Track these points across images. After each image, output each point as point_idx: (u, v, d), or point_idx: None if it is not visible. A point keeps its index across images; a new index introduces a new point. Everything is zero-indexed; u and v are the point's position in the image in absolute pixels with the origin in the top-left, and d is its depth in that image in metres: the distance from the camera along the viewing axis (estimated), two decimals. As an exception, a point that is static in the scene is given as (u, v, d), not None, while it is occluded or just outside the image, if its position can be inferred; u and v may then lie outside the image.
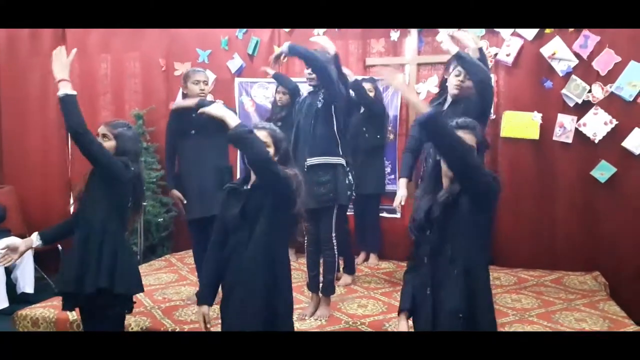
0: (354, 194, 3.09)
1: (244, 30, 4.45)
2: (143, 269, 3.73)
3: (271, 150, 2.01)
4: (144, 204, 4.04)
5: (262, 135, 2.00)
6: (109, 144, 2.29)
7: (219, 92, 4.46)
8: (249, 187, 2.06)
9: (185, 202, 3.21)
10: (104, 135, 2.30)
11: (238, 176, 3.87)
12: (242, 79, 4.46)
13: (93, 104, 4.80)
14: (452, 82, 2.86)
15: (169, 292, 3.46)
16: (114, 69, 4.79)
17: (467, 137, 1.79)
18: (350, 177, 3.01)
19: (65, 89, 2.12)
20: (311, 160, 2.89)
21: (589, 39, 3.71)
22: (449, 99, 2.91)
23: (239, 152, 2.13)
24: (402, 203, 3.00)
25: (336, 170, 2.94)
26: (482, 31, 3.93)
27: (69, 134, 2.20)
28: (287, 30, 4.36)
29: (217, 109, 1.98)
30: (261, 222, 1.97)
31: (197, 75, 3.19)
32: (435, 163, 1.88)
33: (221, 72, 4.52)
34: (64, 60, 2.18)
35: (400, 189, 3.01)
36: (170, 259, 4.31)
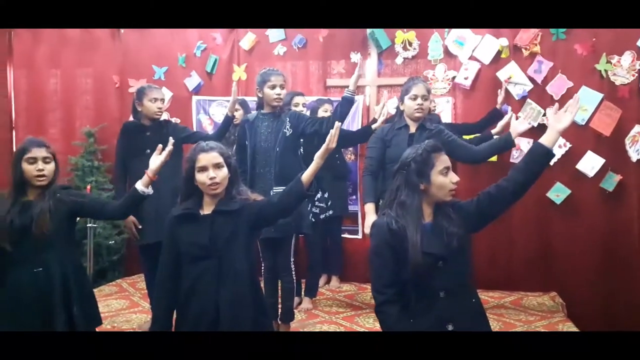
0: (321, 216, 3.05)
1: (202, 47, 4.36)
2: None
3: (225, 169, 1.95)
4: (94, 225, 3.83)
5: (213, 156, 1.94)
6: (52, 166, 2.19)
7: (176, 110, 4.34)
8: (209, 212, 1.96)
9: (140, 226, 3.05)
10: (46, 158, 2.17)
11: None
12: (200, 97, 4.35)
13: (41, 120, 4.59)
14: (411, 107, 2.84)
15: (119, 321, 3.27)
16: (65, 84, 4.59)
17: (445, 158, 1.80)
18: (320, 202, 2.96)
19: (142, 185, 2.22)
20: (277, 189, 2.81)
21: (542, 64, 3.83)
22: (410, 123, 2.89)
23: (184, 180, 2.03)
24: None
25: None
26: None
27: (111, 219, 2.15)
28: (246, 48, 4.30)
29: None
30: (234, 250, 1.90)
31: (154, 93, 3.04)
32: (419, 193, 1.80)
33: (178, 90, 4.40)
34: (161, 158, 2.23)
35: (370, 214, 2.86)
36: (121, 284, 4.10)
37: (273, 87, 2.82)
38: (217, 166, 1.93)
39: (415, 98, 2.82)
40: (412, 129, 2.88)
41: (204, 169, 1.93)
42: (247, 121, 2.95)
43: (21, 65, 4.60)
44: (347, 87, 4.19)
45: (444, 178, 1.77)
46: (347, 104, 2.89)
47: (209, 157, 1.93)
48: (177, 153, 3.11)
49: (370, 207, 2.89)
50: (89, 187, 4.16)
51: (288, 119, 2.84)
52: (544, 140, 1.79)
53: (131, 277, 4.28)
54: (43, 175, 2.14)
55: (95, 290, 3.82)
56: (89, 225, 3.76)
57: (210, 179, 1.91)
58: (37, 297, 2.08)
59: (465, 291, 1.82)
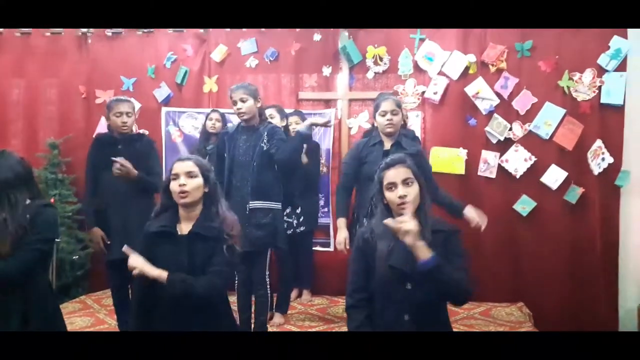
0: (297, 229, 3.05)
1: (173, 58, 4.31)
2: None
3: (199, 180, 1.92)
4: (57, 240, 3.70)
5: (188, 165, 1.92)
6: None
7: (145, 121, 4.25)
8: (186, 232, 1.91)
9: (108, 241, 2.97)
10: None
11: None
12: (170, 109, 4.29)
13: (2, 131, 4.42)
14: (382, 123, 2.86)
15: (84, 338, 3.15)
16: (28, 95, 4.44)
17: (401, 172, 1.80)
18: (293, 216, 2.96)
19: None
20: (253, 204, 2.80)
21: (508, 80, 3.94)
22: (385, 139, 2.90)
23: (162, 190, 2.00)
24: (348, 246, 2.84)
25: (275, 213, 2.87)
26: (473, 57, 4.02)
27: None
28: (217, 60, 4.27)
29: None
30: (209, 272, 1.86)
31: (119, 106, 2.96)
32: (386, 207, 1.83)
33: (147, 101, 4.33)
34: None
35: (341, 230, 2.88)
36: (85, 301, 3.96)
37: (235, 102, 2.85)
38: (189, 175, 1.91)
39: (384, 114, 2.84)
40: (387, 145, 2.89)
41: (176, 176, 1.91)
42: (227, 133, 2.95)
43: (-19, 73, 4.43)
44: (321, 100, 4.26)
45: (390, 193, 1.80)
46: (299, 138, 2.92)
47: (183, 165, 1.93)
48: (145, 168, 3.05)
49: (341, 222, 2.92)
50: (52, 200, 4.03)
51: (266, 133, 2.84)
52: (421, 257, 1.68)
53: (95, 293, 4.14)
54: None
55: (57, 307, 3.74)
56: (52, 239, 3.63)
57: (180, 185, 1.89)
58: None
59: (435, 318, 1.80)
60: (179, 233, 1.91)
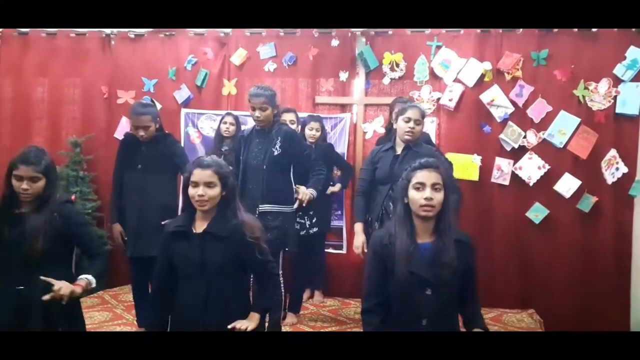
0: (310, 230, 3.12)
1: (193, 61, 4.41)
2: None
3: (218, 189, 1.97)
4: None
5: (207, 174, 1.95)
6: (41, 184, 2.07)
7: (164, 122, 4.24)
8: (200, 231, 1.98)
9: (126, 237, 3.06)
10: (33, 177, 2.04)
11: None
12: (189, 110, 4.38)
13: (26, 129, 4.54)
14: (403, 129, 2.87)
15: (103, 332, 3.24)
16: (52, 93, 4.56)
17: (432, 176, 1.83)
18: (305, 217, 3.01)
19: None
20: (263, 207, 2.86)
21: (524, 88, 3.97)
22: (400, 143, 2.94)
23: (181, 189, 2.07)
24: (366, 250, 2.84)
25: (285, 216, 2.93)
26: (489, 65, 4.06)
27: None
28: (237, 64, 4.36)
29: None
30: (223, 275, 1.94)
31: (136, 120, 2.98)
32: (405, 207, 1.87)
33: (167, 102, 4.42)
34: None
35: (358, 234, 2.94)
36: (103, 296, 4.06)
37: (253, 108, 2.89)
38: (209, 185, 1.95)
39: (408, 121, 2.86)
40: (398, 150, 2.93)
41: (195, 184, 1.96)
42: (243, 136, 3.01)
43: (8, 72, 4.55)
44: (337, 104, 4.32)
45: (416, 193, 1.83)
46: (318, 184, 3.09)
47: (203, 174, 1.95)
48: (165, 169, 3.11)
49: (358, 227, 2.97)
50: (73, 197, 4.13)
51: (279, 138, 2.88)
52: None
53: (113, 289, 4.23)
54: (28, 194, 2.05)
55: (77, 301, 3.84)
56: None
57: (199, 196, 1.93)
58: (15, 316, 2.01)
59: (451, 323, 1.86)
60: (194, 232, 1.98)
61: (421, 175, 1.84)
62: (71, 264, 2.26)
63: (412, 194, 1.84)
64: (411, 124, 2.85)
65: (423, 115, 2.95)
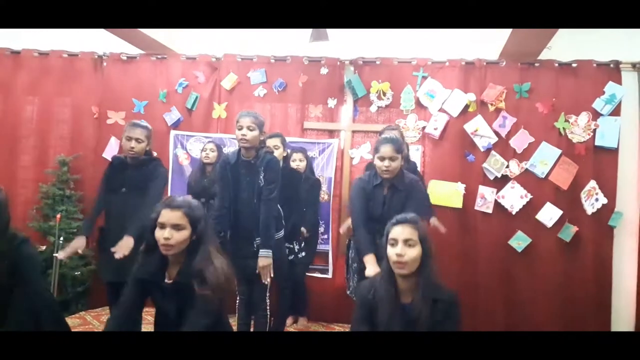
0: (299, 255, 3.11)
1: (184, 84, 4.47)
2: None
3: (187, 232, 1.86)
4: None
5: (177, 216, 1.85)
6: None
7: (153, 143, 4.27)
8: (171, 281, 1.90)
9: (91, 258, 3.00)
10: None
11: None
12: (178, 132, 4.42)
13: (12, 146, 4.53)
14: (379, 167, 2.81)
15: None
16: (41, 112, 4.58)
17: (406, 231, 1.83)
18: (294, 243, 3.01)
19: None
20: (259, 240, 2.83)
21: (506, 119, 4.09)
22: (383, 181, 2.86)
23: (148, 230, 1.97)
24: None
25: (277, 243, 2.89)
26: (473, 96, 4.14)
27: None
28: (227, 88, 4.43)
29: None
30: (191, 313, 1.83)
31: (131, 131, 3.00)
32: (387, 264, 1.87)
33: (157, 124, 4.42)
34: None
35: (371, 265, 2.65)
36: (85, 317, 4.01)
37: (240, 127, 2.84)
38: (176, 227, 1.84)
39: (382, 159, 2.78)
40: (385, 190, 2.87)
41: (162, 225, 1.85)
42: (229, 163, 2.91)
43: (-1, 90, 4.58)
44: (325, 130, 4.36)
45: (390, 248, 1.84)
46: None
47: (170, 215, 1.84)
48: (142, 194, 3.01)
49: (370, 259, 2.69)
50: (59, 215, 4.12)
51: (262, 168, 2.84)
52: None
53: (95, 310, 4.19)
54: None
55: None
56: (55, 255, 3.71)
57: (165, 239, 1.83)
58: None
59: None
60: (166, 280, 1.89)
61: (395, 231, 1.86)
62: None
63: (388, 249, 1.85)
64: (386, 163, 2.77)
65: (399, 149, 2.80)
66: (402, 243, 1.82)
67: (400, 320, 1.79)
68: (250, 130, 2.81)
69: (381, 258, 2.14)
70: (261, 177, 2.83)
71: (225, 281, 1.87)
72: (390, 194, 2.84)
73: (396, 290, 1.84)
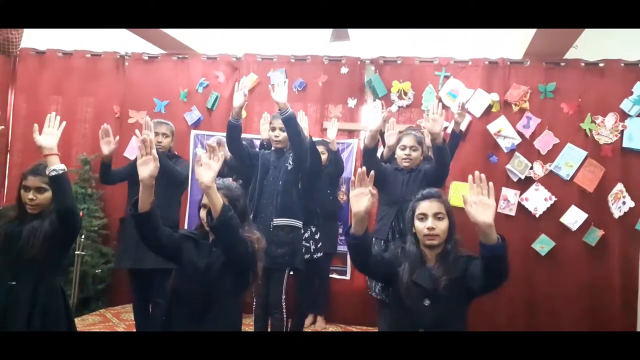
0: (314, 255, 3.14)
1: (205, 84, 4.48)
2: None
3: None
4: (82, 253, 3.83)
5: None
6: (47, 195, 2.17)
7: (174, 142, 4.38)
8: (209, 241, 2.02)
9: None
10: (40, 188, 2.16)
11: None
12: (199, 131, 4.43)
13: (37, 145, 4.57)
14: (400, 156, 3.01)
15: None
16: (65, 111, 4.61)
17: (434, 206, 1.91)
18: (311, 240, 3.05)
19: (54, 164, 2.06)
20: (277, 221, 2.90)
21: (531, 120, 4.00)
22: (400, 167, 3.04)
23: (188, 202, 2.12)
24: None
25: (296, 233, 2.97)
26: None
27: (60, 214, 2.08)
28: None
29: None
30: (222, 281, 1.94)
31: (157, 127, 3.18)
32: (413, 237, 1.96)
33: (177, 123, 4.42)
34: (54, 132, 2.15)
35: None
36: (105, 314, 4.05)
37: (274, 129, 3.05)
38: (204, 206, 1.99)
39: (404, 148, 3.01)
40: (404, 173, 3.02)
41: (204, 207, 2.00)
42: (262, 154, 3.13)
43: (23, 90, 4.66)
44: (345, 130, 4.35)
45: (419, 223, 1.92)
46: (289, 123, 2.93)
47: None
48: (170, 185, 3.17)
49: None
50: (80, 213, 4.15)
51: (291, 156, 3.01)
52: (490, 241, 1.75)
53: (115, 308, 4.23)
54: (33, 205, 2.14)
55: (78, 319, 3.82)
56: (77, 252, 3.75)
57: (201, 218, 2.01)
58: (3, 308, 2.09)
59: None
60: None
61: (423, 206, 1.94)
62: (60, 265, 2.31)
63: (417, 224, 1.94)
64: (407, 151, 2.99)
65: (419, 141, 3.03)
66: (432, 217, 1.90)
67: (423, 273, 1.86)
68: (283, 131, 3.00)
69: (404, 234, 2.24)
70: (290, 160, 2.99)
71: (260, 249, 1.98)
72: (408, 176, 2.98)
73: (422, 257, 1.92)
